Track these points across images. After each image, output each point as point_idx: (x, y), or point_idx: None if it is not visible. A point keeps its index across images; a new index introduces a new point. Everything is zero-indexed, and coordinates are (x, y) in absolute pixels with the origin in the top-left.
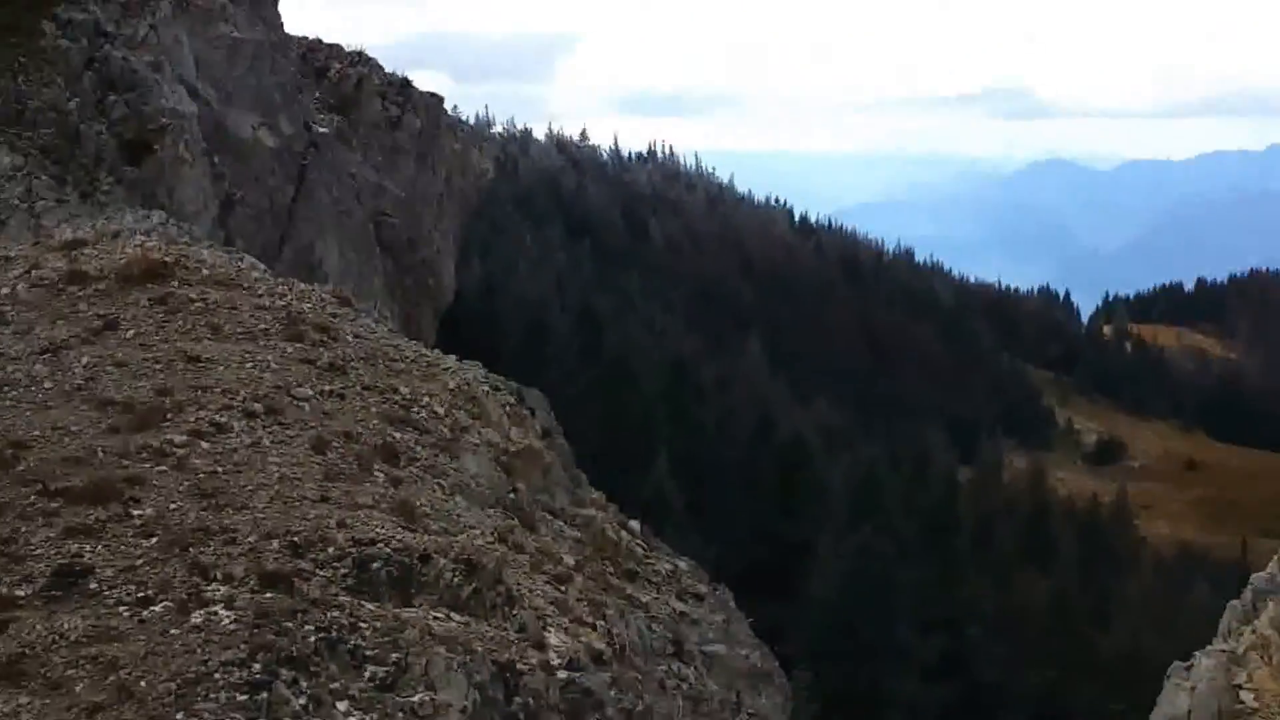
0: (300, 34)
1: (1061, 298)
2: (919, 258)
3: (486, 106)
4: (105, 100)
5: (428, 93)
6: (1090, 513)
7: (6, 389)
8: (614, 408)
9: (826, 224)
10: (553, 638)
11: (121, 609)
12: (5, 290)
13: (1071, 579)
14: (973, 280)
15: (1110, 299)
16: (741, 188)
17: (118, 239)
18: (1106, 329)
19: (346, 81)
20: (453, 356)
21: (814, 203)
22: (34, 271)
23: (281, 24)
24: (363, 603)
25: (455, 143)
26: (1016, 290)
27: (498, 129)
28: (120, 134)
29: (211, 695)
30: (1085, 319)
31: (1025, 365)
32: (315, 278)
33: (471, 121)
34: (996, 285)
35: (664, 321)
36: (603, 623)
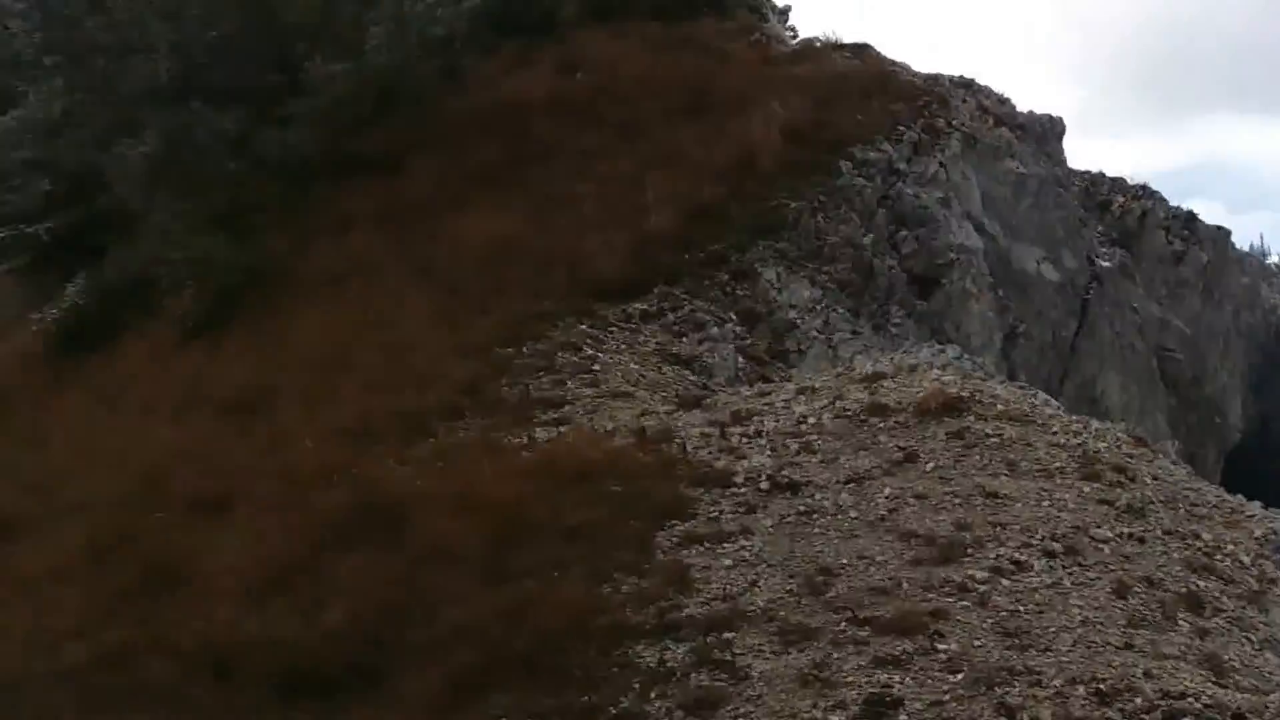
0: (1080, 168)
1: None
2: None
3: (1261, 236)
4: (896, 235)
5: (1214, 225)
6: None
7: (815, 516)
8: None
9: None
10: None
11: None
12: (812, 420)
13: None
14: None
15: None
16: None
17: (914, 372)
18: None
19: (1130, 215)
20: (1257, 503)
21: None
22: (838, 402)
23: (1065, 159)
24: None
25: (1243, 276)
26: None
27: (1273, 259)
28: (910, 268)
29: None
30: None
31: None
32: (1095, 412)
33: (1246, 250)
34: None
35: None
36: None
